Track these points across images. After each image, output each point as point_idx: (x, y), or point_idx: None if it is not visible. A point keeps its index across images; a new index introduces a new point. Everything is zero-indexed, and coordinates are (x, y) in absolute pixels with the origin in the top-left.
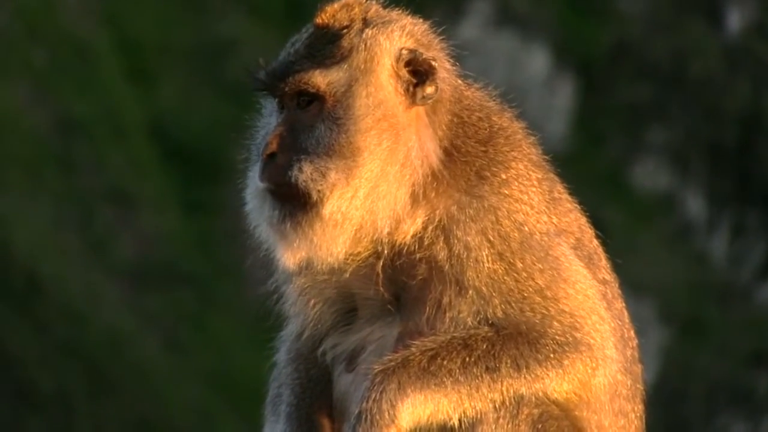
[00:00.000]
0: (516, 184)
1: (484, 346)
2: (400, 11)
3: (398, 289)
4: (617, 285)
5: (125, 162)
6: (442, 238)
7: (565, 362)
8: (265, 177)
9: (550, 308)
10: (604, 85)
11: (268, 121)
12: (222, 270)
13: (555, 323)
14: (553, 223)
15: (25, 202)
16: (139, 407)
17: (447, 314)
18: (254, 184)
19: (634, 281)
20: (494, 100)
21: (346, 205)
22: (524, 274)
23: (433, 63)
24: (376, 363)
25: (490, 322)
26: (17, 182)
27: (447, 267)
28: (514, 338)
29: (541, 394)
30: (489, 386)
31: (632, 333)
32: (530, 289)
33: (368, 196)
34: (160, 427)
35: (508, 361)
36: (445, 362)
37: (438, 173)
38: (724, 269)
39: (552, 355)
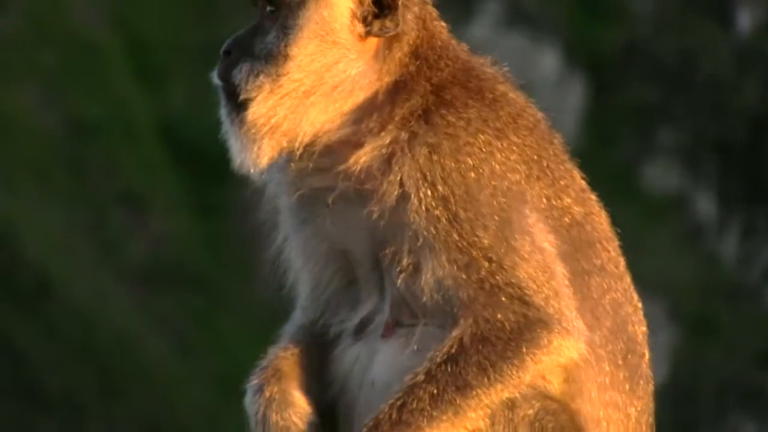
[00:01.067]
0: (465, 127)
1: (448, 368)
2: None
3: (372, 245)
4: (624, 279)
5: (135, 164)
6: (382, 173)
7: (524, 349)
8: (216, 73)
9: (497, 276)
10: (615, 84)
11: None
12: (232, 272)
13: (503, 298)
14: (540, 192)
15: (35, 204)
16: (148, 409)
17: (410, 270)
18: (212, 79)
19: (644, 281)
20: (490, 64)
21: (269, 110)
22: (467, 227)
23: None
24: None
25: (442, 290)
26: (27, 184)
27: (394, 208)
28: (473, 342)
29: (523, 389)
30: (467, 405)
31: (634, 328)
32: (475, 249)
33: (294, 107)
34: (170, 429)
35: (473, 370)
36: (414, 405)
37: (383, 107)
38: (734, 269)
39: (510, 346)
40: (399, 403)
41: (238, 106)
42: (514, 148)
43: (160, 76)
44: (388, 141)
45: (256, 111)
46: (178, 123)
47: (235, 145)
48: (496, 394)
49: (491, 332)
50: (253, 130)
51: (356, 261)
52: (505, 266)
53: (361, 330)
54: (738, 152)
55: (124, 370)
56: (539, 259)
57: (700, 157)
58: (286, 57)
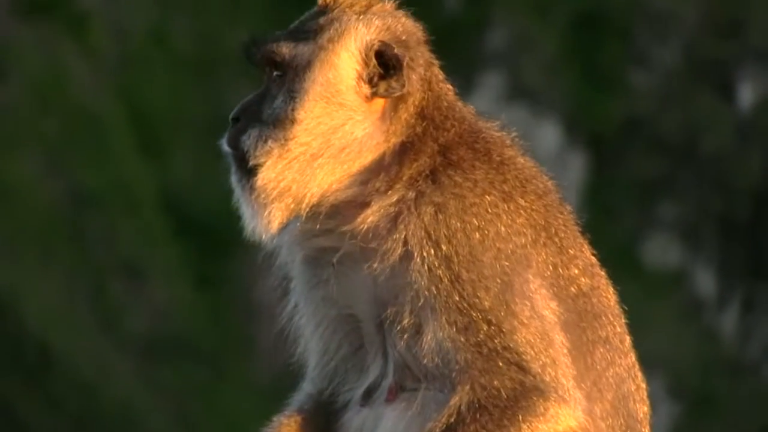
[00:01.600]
0: (472, 188)
1: None
2: (407, 12)
3: (376, 308)
4: (629, 355)
5: (137, 234)
6: (391, 230)
7: (520, 417)
8: (225, 140)
9: (495, 340)
10: (616, 159)
11: None
12: (234, 344)
13: (501, 363)
14: (547, 258)
15: (36, 273)
16: None
17: (411, 331)
18: (222, 147)
19: (644, 356)
20: (504, 134)
21: (278, 174)
22: (469, 289)
23: (402, 59)
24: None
25: (442, 352)
26: (29, 254)
27: (397, 269)
28: (471, 411)
29: None
30: None
31: (635, 405)
32: (475, 310)
33: (302, 171)
34: None
35: None
36: None
37: (390, 168)
38: (734, 345)
39: (506, 414)
40: None
41: (248, 172)
42: (521, 211)
43: (162, 147)
44: (394, 200)
45: (265, 176)
46: (179, 194)
47: (246, 212)
48: None
49: (488, 400)
50: (263, 196)
51: (362, 324)
52: (504, 330)
53: (368, 396)
54: (739, 227)
55: None
56: (538, 326)
57: (701, 232)
58: (293, 121)
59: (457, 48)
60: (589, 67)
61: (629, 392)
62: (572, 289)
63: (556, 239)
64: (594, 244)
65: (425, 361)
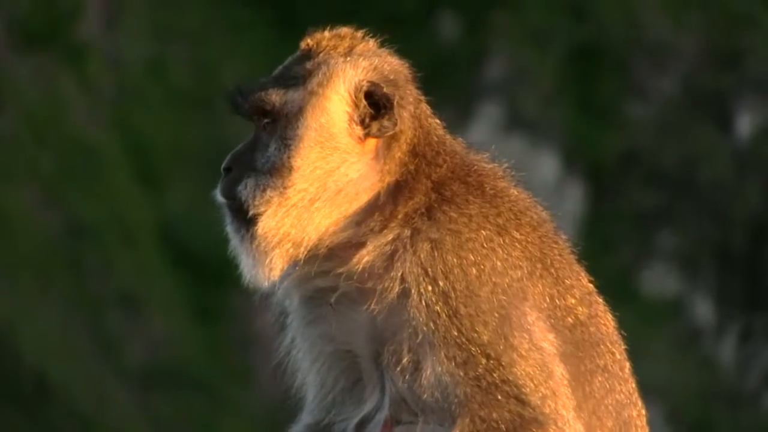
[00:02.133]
0: (467, 223)
1: None
2: (390, 51)
3: (373, 342)
4: (629, 382)
5: (134, 266)
6: (386, 269)
7: None
8: (219, 191)
9: (494, 374)
10: (614, 189)
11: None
12: (232, 375)
13: (499, 396)
14: (543, 290)
15: (34, 305)
16: None
17: (409, 367)
18: (215, 197)
19: (642, 385)
20: (494, 165)
21: (278, 222)
22: (467, 324)
23: (392, 98)
24: None
25: (440, 386)
26: (26, 285)
27: (395, 305)
28: None
29: None
30: None
31: (635, 431)
32: (475, 344)
33: (300, 216)
34: None
35: None
36: None
37: (385, 207)
38: (733, 374)
39: None
40: None
41: (247, 221)
42: (517, 244)
43: (159, 179)
44: (390, 239)
45: (266, 225)
46: (176, 226)
47: (246, 261)
48: None
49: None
50: (263, 244)
51: (359, 359)
52: (503, 363)
53: (361, 427)
54: (737, 257)
55: None
56: (537, 358)
57: (699, 261)
58: (290, 168)
59: (455, 78)
60: (587, 98)
61: (630, 418)
62: (569, 319)
63: (552, 270)
64: (592, 273)
65: (424, 396)
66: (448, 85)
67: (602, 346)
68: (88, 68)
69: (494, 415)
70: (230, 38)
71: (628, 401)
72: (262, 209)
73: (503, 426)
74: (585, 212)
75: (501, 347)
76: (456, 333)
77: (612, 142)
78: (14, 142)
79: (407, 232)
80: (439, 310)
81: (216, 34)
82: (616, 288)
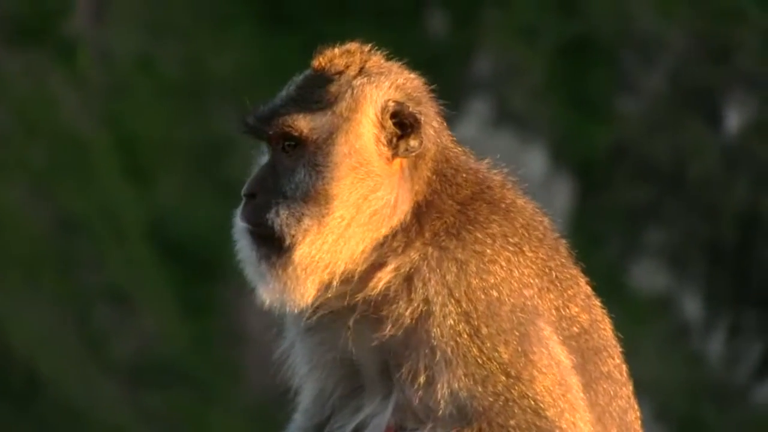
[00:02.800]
0: (493, 245)
1: None
2: (401, 65)
3: (383, 354)
4: (627, 386)
5: (124, 260)
6: (406, 289)
7: None
8: (244, 217)
9: (513, 390)
10: (602, 185)
11: (260, 161)
12: (220, 369)
13: (516, 409)
14: (550, 304)
15: (23, 300)
16: None
17: (422, 381)
18: (236, 222)
19: (630, 381)
20: (499, 174)
21: (315, 250)
22: (488, 344)
23: (419, 117)
24: None
25: (456, 401)
26: (16, 280)
27: (414, 323)
28: None
29: None
30: None
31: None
32: (494, 363)
33: (336, 242)
34: None
35: None
36: None
37: (410, 227)
38: (721, 369)
39: None
40: None
41: (279, 248)
42: (530, 263)
43: (148, 174)
44: (415, 258)
45: (303, 253)
46: (166, 220)
47: (273, 287)
48: None
49: None
50: (299, 271)
51: (363, 370)
52: (522, 379)
53: None
54: (726, 253)
55: None
56: (556, 373)
57: (688, 257)
58: (327, 196)
59: (444, 74)
60: (576, 93)
61: (631, 422)
62: (574, 328)
63: (557, 282)
64: (581, 269)
65: (438, 408)
66: (437, 81)
67: (604, 352)
68: (78, 63)
69: (512, 422)
70: (219, 32)
71: (629, 405)
72: (300, 237)
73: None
74: (573, 207)
75: (521, 364)
76: (477, 352)
77: (601, 137)
78: (4, 137)
79: (434, 252)
80: (461, 330)
81: (205, 28)
82: (605, 284)
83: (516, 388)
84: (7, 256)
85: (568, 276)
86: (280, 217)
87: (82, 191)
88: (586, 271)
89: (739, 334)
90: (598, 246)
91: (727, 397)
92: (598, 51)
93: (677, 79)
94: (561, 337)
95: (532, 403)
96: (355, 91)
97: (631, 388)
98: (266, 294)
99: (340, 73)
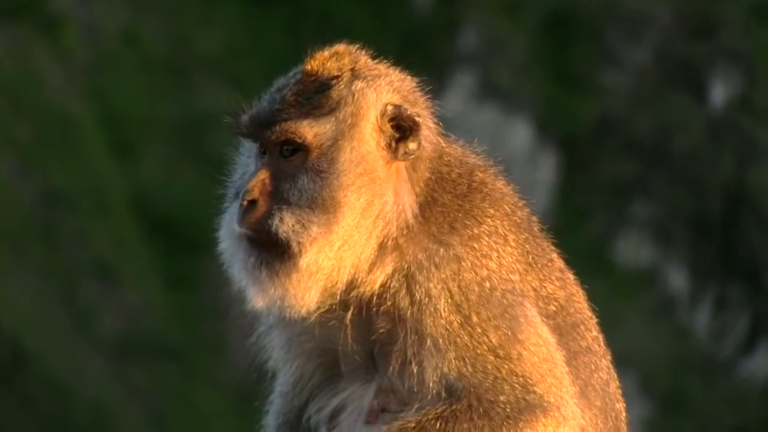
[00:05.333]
0: (486, 239)
1: (438, 426)
2: (388, 65)
3: (371, 343)
4: (606, 357)
5: (108, 236)
6: (406, 285)
7: (521, 426)
8: (245, 223)
9: (502, 369)
10: (587, 159)
11: (247, 163)
12: (205, 344)
13: (506, 386)
14: (529, 286)
15: (8, 275)
16: None
17: (410, 367)
18: (230, 226)
19: (616, 355)
20: (478, 157)
21: (322, 257)
22: (479, 329)
23: (417, 119)
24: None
25: (446, 383)
26: (1, 256)
27: (408, 315)
28: (466, 411)
29: None
30: None
31: (619, 405)
32: (484, 346)
33: (341, 248)
34: None
35: None
36: None
37: (411, 226)
38: (707, 343)
39: (507, 422)
40: None
41: (281, 255)
42: (514, 251)
43: (133, 149)
44: (417, 255)
45: (310, 260)
46: (151, 195)
47: (273, 293)
48: None
49: (491, 409)
50: (305, 278)
51: (345, 357)
52: (511, 358)
53: (334, 418)
54: (711, 226)
55: None
56: (543, 350)
57: (673, 230)
58: (334, 203)
59: (429, 49)
60: (561, 67)
61: (613, 393)
62: (552, 307)
63: (533, 263)
64: (566, 243)
65: (428, 391)
66: (422, 56)
67: (581, 326)
68: (63, 39)
69: (501, 398)
70: (204, 8)
71: (609, 377)
72: (307, 245)
73: (508, 408)
74: (558, 181)
75: (510, 344)
76: (467, 338)
77: (586, 112)
78: None
79: (437, 248)
80: (453, 320)
81: (190, 3)
82: (590, 258)
83: (505, 366)
84: None
85: (542, 254)
86: (285, 225)
87: (67, 167)
88: (571, 245)
89: (724, 307)
90: (584, 220)
91: (712, 371)
92: (583, 25)
93: (662, 53)
94: (542, 317)
95: (521, 379)
96: (356, 97)
97: (609, 358)
98: (261, 299)
99: (336, 77)
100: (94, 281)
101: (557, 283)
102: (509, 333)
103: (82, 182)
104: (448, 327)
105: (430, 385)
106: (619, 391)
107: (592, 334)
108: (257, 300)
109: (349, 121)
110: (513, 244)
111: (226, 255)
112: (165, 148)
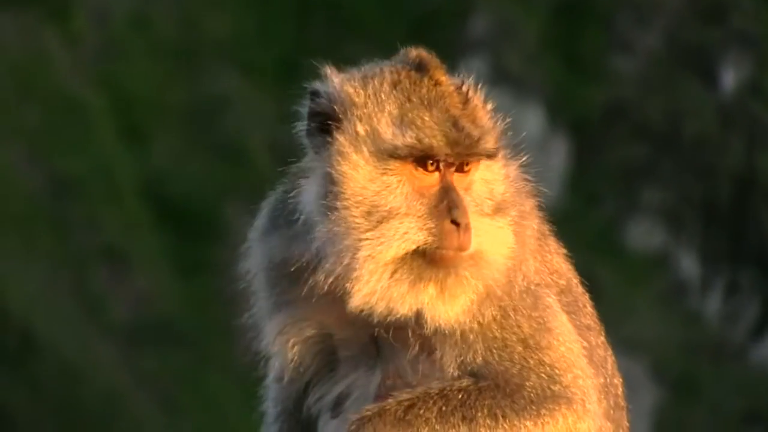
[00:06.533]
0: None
1: (461, 396)
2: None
3: (376, 330)
4: (602, 333)
5: (119, 221)
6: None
7: (543, 413)
8: (466, 245)
9: (530, 359)
10: (598, 144)
11: (391, 181)
12: (216, 329)
13: (533, 375)
14: (544, 269)
15: (19, 261)
16: None
17: (430, 354)
18: (452, 253)
19: (627, 340)
20: None
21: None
22: (512, 322)
23: None
24: (352, 412)
25: (469, 369)
26: (11, 242)
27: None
28: (491, 389)
29: None
30: None
31: (616, 380)
32: (514, 338)
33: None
34: None
35: (485, 410)
36: (421, 411)
37: None
38: (718, 328)
39: (530, 407)
40: (407, 403)
41: (470, 265)
42: (533, 236)
43: (143, 134)
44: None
45: (496, 263)
46: (161, 180)
47: (442, 303)
48: None
49: (515, 393)
50: (475, 287)
51: (347, 344)
52: (541, 347)
53: (339, 405)
54: (721, 211)
55: (110, 427)
56: (570, 339)
57: (684, 215)
58: (504, 209)
59: (439, 34)
60: (572, 52)
61: (611, 369)
62: (556, 288)
63: (540, 248)
64: (577, 228)
65: (444, 374)
66: (433, 41)
67: (580, 304)
68: (73, 23)
69: (527, 383)
70: None
71: (605, 353)
72: (501, 253)
73: (533, 394)
74: (570, 167)
75: (539, 334)
76: (498, 331)
77: (596, 97)
78: None
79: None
80: (486, 312)
81: None
82: (601, 243)
83: (534, 356)
84: (2, 217)
85: (543, 237)
86: (481, 238)
87: (77, 152)
88: (583, 230)
89: (735, 292)
90: (595, 205)
91: (723, 356)
92: (594, 11)
93: (673, 38)
94: (557, 300)
95: (548, 369)
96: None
97: (603, 332)
98: (412, 309)
99: (462, 85)
100: (104, 267)
101: (559, 264)
102: (541, 324)
103: (92, 168)
104: (479, 320)
105: (450, 371)
106: (615, 365)
107: (589, 311)
108: (403, 309)
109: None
110: (533, 228)
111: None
112: (175, 133)
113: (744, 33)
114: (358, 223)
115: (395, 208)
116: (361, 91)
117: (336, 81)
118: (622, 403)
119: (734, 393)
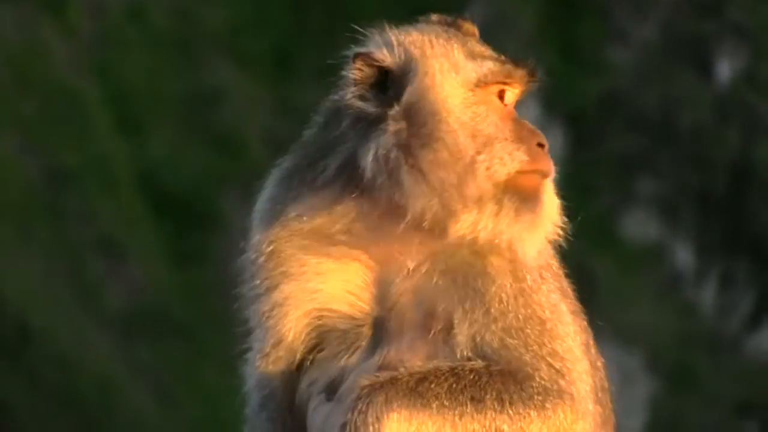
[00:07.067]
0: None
1: (471, 376)
2: None
3: (382, 310)
4: (585, 317)
5: (115, 212)
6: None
7: (548, 406)
8: (551, 166)
9: (543, 347)
10: (594, 135)
11: (482, 110)
12: (212, 320)
13: (544, 365)
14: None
15: (14, 252)
16: None
17: (444, 331)
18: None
19: (622, 331)
20: None
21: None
22: (535, 304)
23: None
24: (363, 378)
25: (481, 351)
26: (6, 232)
27: (472, 280)
28: (501, 374)
29: None
30: (472, 416)
31: (599, 363)
32: (532, 321)
33: None
34: None
35: (494, 393)
36: (432, 386)
37: None
38: (713, 319)
39: (536, 397)
40: (419, 375)
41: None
42: None
43: (140, 125)
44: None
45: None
46: (158, 172)
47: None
48: (499, 425)
49: (525, 381)
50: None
51: (346, 322)
52: (555, 337)
53: (333, 390)
54: (717, 202)
55: (106, 418)
56: (574, 332)
57: (679, 207)
58: None
59: None
60: (567, 43)
61: (594, 353)
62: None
63: None
64: (572, 220)
65: (454, 355)
66: None
67: (566, 288)
68: (69, 14)
69: (537, 374)
70: None
71: (587, 335)
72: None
73: (541, 386)
74: (565, 157)
75: (556, 321)
76: (522, 308)
77: (592, 88)
78: None
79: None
80: (511, 292)
81: None
82: (596, 234)
83: (547, 344)
84: None
85: None
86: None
87: (73, 143)
88: (577, 222)
89: (731, 283)
90: (590, 196)
91: (719, 347)
92: (589, 1)
93: (669, 29)
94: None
95: (558, 362)
96: None
97: (584, 317)
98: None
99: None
100: (100, 258)
101: (551, 262)
102: (557, 313)
103: (88, 158)
104: (506, 299)
105: (463, 352)
106: (597, 347)
107: (571, 294)
108: (534, 248)
109: None
110: None
111: (547, 205)
112: (172, 123)
113: (740, 24)
114: (465, 146)
115: (493, 132)
116: (423, 38)
117: (392, 35)
118: (606, 384)
119: (730, 384)
